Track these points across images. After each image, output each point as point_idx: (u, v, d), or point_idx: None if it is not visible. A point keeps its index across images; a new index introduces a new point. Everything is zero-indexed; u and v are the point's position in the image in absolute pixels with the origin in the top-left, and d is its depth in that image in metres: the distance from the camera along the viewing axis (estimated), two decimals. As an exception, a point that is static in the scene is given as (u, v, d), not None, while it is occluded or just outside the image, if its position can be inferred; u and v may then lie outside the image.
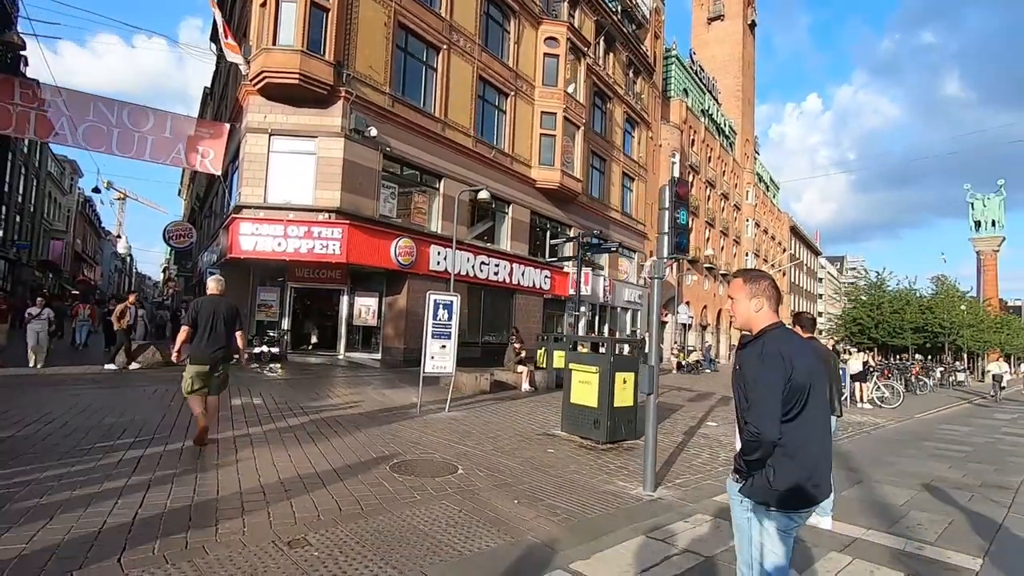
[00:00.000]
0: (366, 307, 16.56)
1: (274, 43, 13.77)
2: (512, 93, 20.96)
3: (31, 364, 11.11)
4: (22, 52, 13.31)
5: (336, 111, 14.62)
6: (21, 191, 35.12)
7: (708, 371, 27.94)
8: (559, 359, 14.26)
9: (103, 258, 70.13)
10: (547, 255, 23.32)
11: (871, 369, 14.20)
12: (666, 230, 5.33)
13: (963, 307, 34.03)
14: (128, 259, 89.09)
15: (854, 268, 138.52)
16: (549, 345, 14.37)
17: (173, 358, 6.13)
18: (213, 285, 6.15)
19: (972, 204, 48.64)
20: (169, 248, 33.60)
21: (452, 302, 8.73)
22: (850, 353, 19.27)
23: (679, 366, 25.64)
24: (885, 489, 5.78)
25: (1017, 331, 45.10)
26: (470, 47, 18.88)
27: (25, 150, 35.20)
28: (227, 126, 15.06)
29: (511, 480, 5.22)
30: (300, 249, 14.01)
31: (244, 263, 15.30)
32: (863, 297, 36.56)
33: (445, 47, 17.84)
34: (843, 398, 14.58)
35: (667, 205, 5.31)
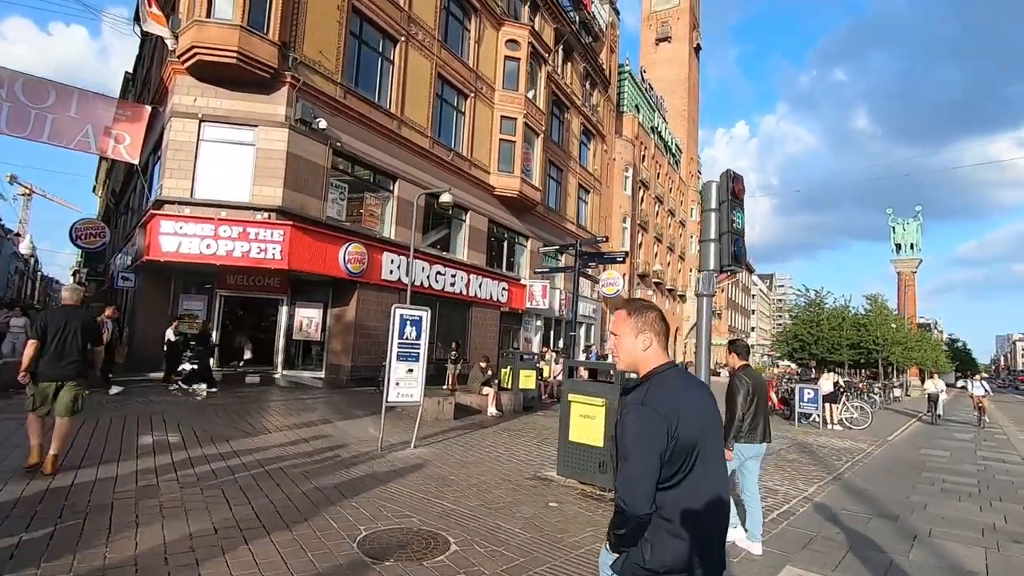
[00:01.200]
0: (308, 319, 14.81)
1: (208, 15, 12.00)
2: (472, 95, 19.85)
3: None
4: None
5: (280, 98, 12.96)
6: None
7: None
8: (526, 379, 13.16)
9: (1, 259, 62.81)
10: (505, 266, 22.24)
11: (841, 390, 13.92)
12: (714, 236, 4.29)
13: (893, 325, 35.71)
14: (32, 260, 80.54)
15: (782, 285, 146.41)
16: (515, 364, 13.20)
17: (20, 377, 5.27)
18: (67, 295, 5.78)
19: (894, 228, 51.72)
20: (79, 249, 30.03)
21: (421, 318, 7.41)
22: (809, 372, 19.27)
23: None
24: (950, 548, 4.97)
25: (934, 347, 48.14)
26: (429, 42, 17.64)
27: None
28: (148, 108, 13.03)
29: (521, 558, 3.98)
30: (233, 252, 12.18)
31: (165, 267, 13.24)
32: (803, 315, 37.70)
33: (403, 39, 16.51)
34: (811, 418, 14.45)
35: (716, 205, 4.29)
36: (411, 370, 7.29)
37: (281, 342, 14.71)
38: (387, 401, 7.11)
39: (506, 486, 5.90)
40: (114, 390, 10.21)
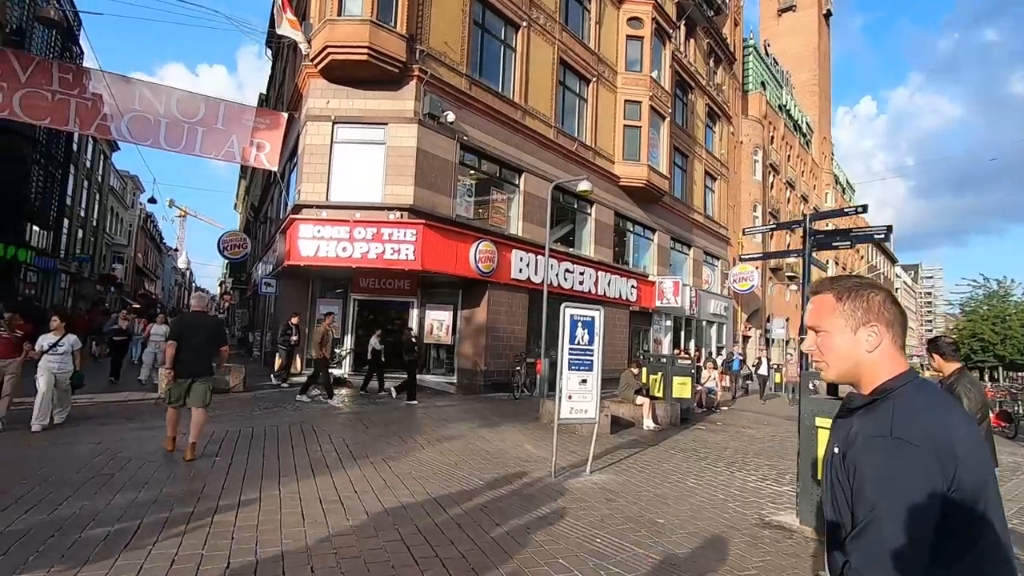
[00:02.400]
0: (439, 322, 14.30)
1: (339, 13, 11.80)
2: (594, 79, 18.52)
3: (34, 423, 6.60)
4: (70, 27, 11.77)
5: (408, 93, 12.50)
6: (84, 205, 35.15)
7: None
8: (680, 387, 11.58)
9: (164, 272, 71.65)
10: (632, 262, 20.59)
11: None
12: None
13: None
14: (188, 273, 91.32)
15: (930, 277, 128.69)
16: (668, 369, 11.66)
17: (163, 374, 6.48)
18: (196, 302, 6.59)
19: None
20: (224, 260, 32.86)
21: (593, 319, 6.23)
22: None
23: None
24: None
25: None
26: (550, 26, 16.58)
27: (88, 163, 35.30)
28: (285, 115, 13.22)
29: None
30: (368, 254, 11.87)
31: (304, 271, 13.33)
32: (981, 310, 31.95)
33: (525, 24, 15.58)
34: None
35: None
36: (584, 381, 6.12)
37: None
38: (559, 418, 6.00)
39: (736, 537, 4.51)
40: (334, 400, 10.31)
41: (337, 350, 13.99)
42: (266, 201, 23.01)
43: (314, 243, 11.95)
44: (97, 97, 11.41)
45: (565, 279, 16.29)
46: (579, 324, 6.11)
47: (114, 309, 31.64)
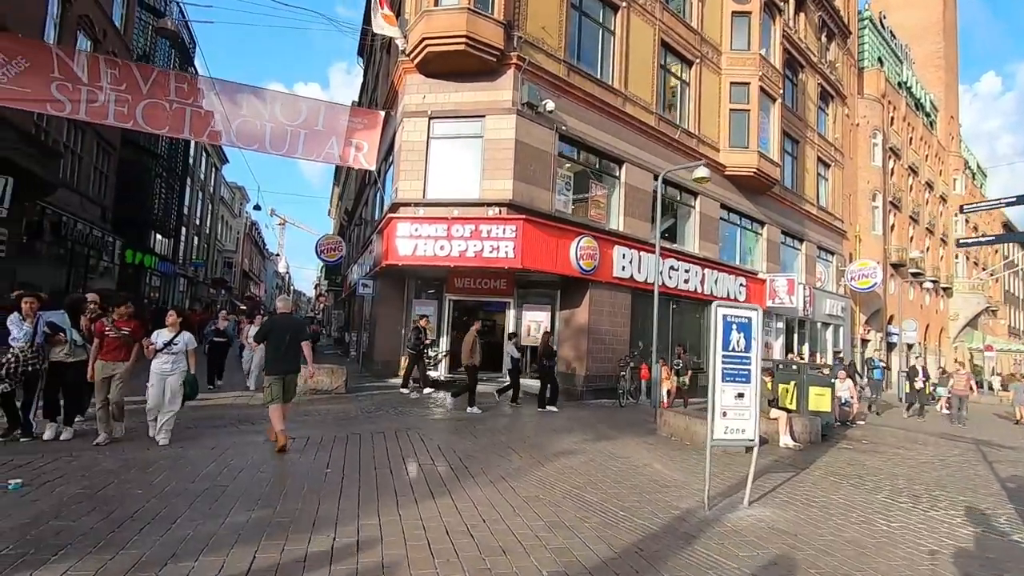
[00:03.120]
0: (536, 323, 13.58)
1: (436, 4, 11.42)
2: (697, 61, 17.09)
3: (159, 436, 6.09)
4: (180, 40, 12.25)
5: (506, 82, 11.90)
6: (199, 214, 38.08)
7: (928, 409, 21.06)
8: (818, 399, 10.11)
9: (266, 276, 76.90)
10: (739, 258, 18.86)
11: None
12: None
13: None
14: (287, 277, 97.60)
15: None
16: (803, 378, 10.19)
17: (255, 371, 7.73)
18: (281, 304, 6.97)
19: None
20: (321, 263, 34.31)
21: (751, 321, 5.19)
22: None
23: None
24: None
25: None
26: (651, 5, 15.40)
27: (202, 176, 38.21)
28: (381, 114, 13.08)
29: None
30: (467, 252, 11.37)
31: (400, 271, 13.11)
32: None
33: (624, 5, 14.54)
34: None
35: None
36: (741, 395, 5.10)
37: (507, 347, 13.69)
38: (712, 438, 5.01)
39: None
40: (473, 410, 9.68)
41: (431, 352, 13.68)
42: (360, 204, 23.47)
43: (411, 242, 11.63)
44: (209, 107, 11.72)
45: (670, 277, 15.04)
46: (734, 327, 5.10)
47: (226, 309, 34.06)
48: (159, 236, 28.95)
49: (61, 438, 6.02)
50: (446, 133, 12.27)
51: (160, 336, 6.24)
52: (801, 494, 5.85)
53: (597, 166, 14.14)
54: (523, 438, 7.74)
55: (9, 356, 5.73)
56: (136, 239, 25.68)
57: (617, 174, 14.48)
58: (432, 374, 12.66)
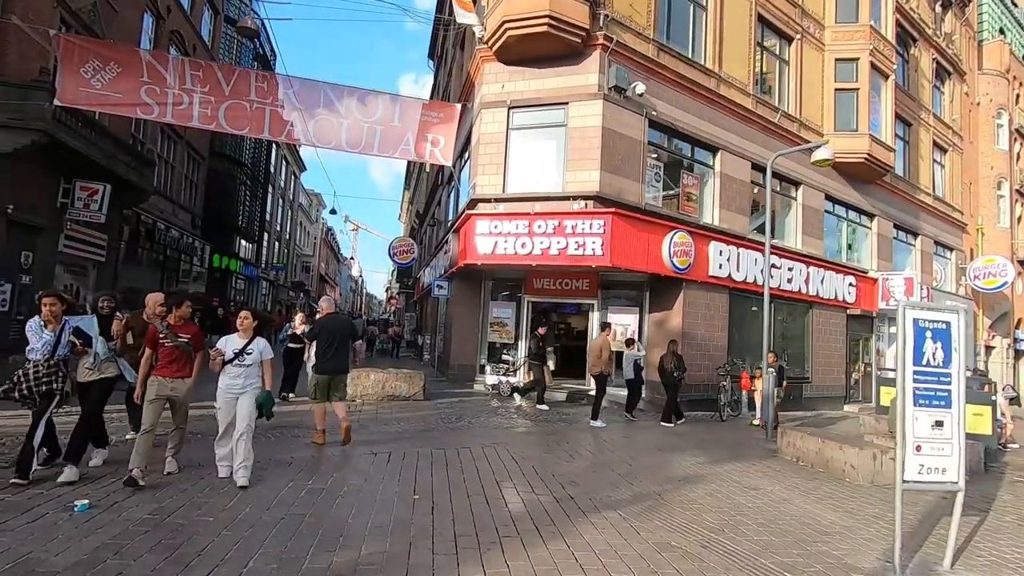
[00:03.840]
0: (623, 326, 12.49)
1: (517, -16, 10.69)
2: (798, 36, 15.41)
3: (236, 476, 4.75)
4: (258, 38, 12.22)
5: (591, 65, 10.98)
6: (279, 220, 39.64)
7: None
8: (977, 420, 8.47)
9: (341, 279, 79.75)
10: (845, 255, 16.89)
11: None
12: None
13: None
14: (360, 280, 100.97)
15: None
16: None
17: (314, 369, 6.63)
18: (326, 305, 7.08)
19: None
20: (393, 265, 34.72)
21: (950, 327, 3.97)
22: None
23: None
24: None
25: None
26: (746, -23, 13.98)
27: (282, 183, 39.76)
28: (458, 107, 12.49)
29: None
30: (550, 250, 10.53)
31: (476, 272, 12.47)
32: None
33: (717, -23, 13.24)
34: None
35: None
36: (940, 423, 3.91)
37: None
38: (904, 479, 3.85)
39: None
40: (597, 423, 8.98)
41: (507, 356, 12.94)
42: (432, 205, 23.23)
43: (491, 240, 10.93)
44: (286, 105, 11.57)
45: (771, 276, 13.47)
46: (928, 334, 3.92)
47: (305, 312, 35.21)
48: (243, 241, 30.15)
49: (60, 479, 4.47)
50: (526, 123, 11.50)
51: (229, 343, 4.93)
52: (1008, 551, 4.53)
53: (689, 154, 12.90)
54: (626, 459, 6.77)
55: (19, 373, 4.45)
56: (222, 244, 26.78)
57: (711, 163, 13.17)
58: (512, 380, 11.90)
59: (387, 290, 75.31)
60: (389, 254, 26.65)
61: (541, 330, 10.88)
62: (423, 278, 22.89)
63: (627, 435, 8.47)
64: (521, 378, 12.77)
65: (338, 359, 6.46)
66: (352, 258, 66.30)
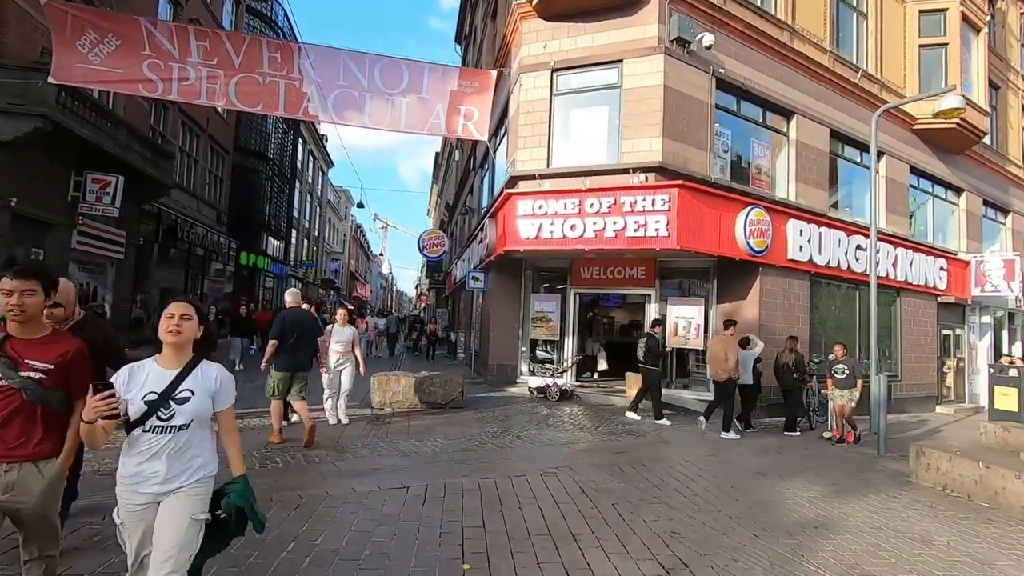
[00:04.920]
0: (686, 320, 10.89)
1: (561, -78, 9.19)
2: (877, -15, 13.47)
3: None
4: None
5: (649, 15, 9.41)
6: (307, 216, 39.02)
7: None
8: None
9: (371, 277, 79.55)
10: (932, 235, 14.86)
11: None
12: None
13: None
14: (390, 277, 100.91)
15: None
16: None
17: (261, 367, 6.26)
18: (290, 299, 6.65)
19: None
20: (423, 262, 33.67)
21: None
22: None
23: None
24: None
25: None
26: (820, -84, 12.13)
27: (309, 179, 39.12)
28: (493, 73, 11.07)
29: None
30: (605, 231, 9.03)
31: (517, 261, 11.08)
32: None
33: (788, -85, 11.45)
34: None
35: None
36: None
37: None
38: None
39: None
40: (728, 435, 7.88)
41: (547, 354, 11.56)
42: (463, 193, 21.91)
43: (534, 222, 9.49)
44: (302, 77, 10.35)
45: (856, 259, 11.69)
46: None
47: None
48: (270, 238, 29.46)
49: None
50: (573, 86, 10.03)
51: (135, 377, 2.14)
52: None
53: (762, 119, 11.18)
54: (727, 489, 5.26)
55: None
56: (249, 241, 26.06)
57: (785, 129, 11.43)
58: (559, 382, 10.46)
59: (416, 287, 74.74)
60: (418, 248, 25.51)
61: (656, 329, 9.05)
62: (455, 271, 21.62)
63: (712, 452, 6.94)
64: (568, 380, 11.34)
65: (299, 356, 6.25)
66: (381, 254, 65.79)
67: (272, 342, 6.11)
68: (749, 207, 9.66)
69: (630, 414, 8.59)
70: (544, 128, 9.93)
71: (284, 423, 6.27)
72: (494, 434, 7.14)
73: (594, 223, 9.14)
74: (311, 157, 39.11)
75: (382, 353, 20.60)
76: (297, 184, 34.36)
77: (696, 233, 9.05)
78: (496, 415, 8.55)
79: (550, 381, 10.45)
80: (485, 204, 14.57)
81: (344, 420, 7.15)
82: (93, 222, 13.67)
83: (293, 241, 34.29)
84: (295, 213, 34.20)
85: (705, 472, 5.85)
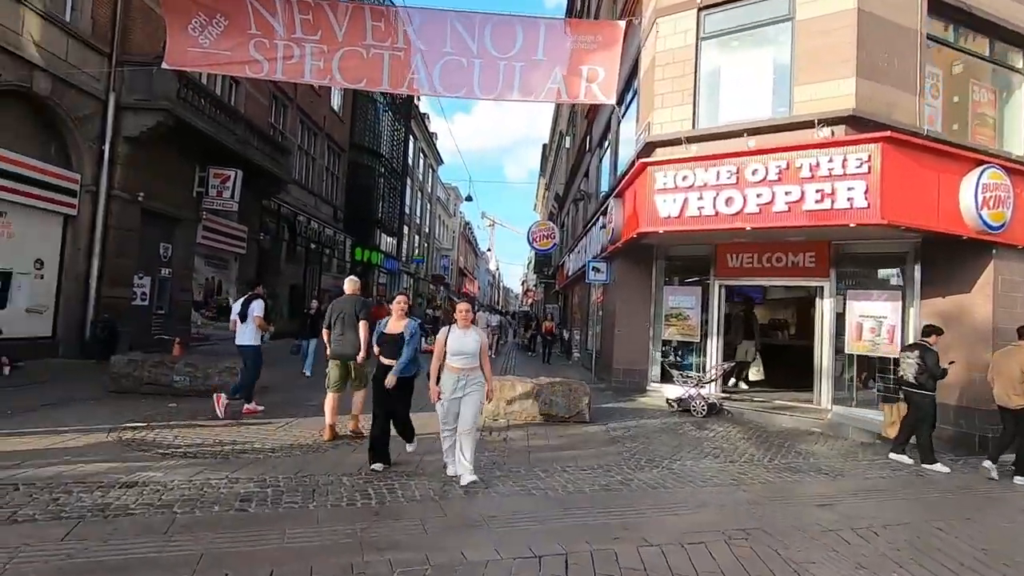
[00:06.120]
0: (874, 319, 8.42)
1: None
2: None
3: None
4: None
5: (835, -82, 7.19)
6: (418, 213, 39.60)
7: None
8: None
9: (479, 273, 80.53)
10: None
11: None
12: None
13: None
14: (497, 274, 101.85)
15: None
16: None
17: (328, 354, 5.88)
18: (349, 286, 6.14)
19: None
20: (529, 257, 32.63)
21: None
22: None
23: None
24: None
25: None
26: None
27: (420, 176, 39.66)
28: (621, 24, 9.38)
29: None
30: (774, 205, 7.02)
31: (647, 248, 9.35)
32: None
33: None
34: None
35: None
36: None
37: (824, 358, 8.81)
38: None
39: None
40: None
41: (719, 364, 9.69)
42: (574, 181, 20.31)
43: (677, 197, 7.69)
44: (407, 47, 9.39)
45: None
46: None
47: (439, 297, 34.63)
48: (383, 235, 29.90)
49: None
50: (725, 26, 8.08)
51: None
52: None
53: (987, 52, 8.40)
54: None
55: None
56: (363, 237, 26.49)
57: (1020, 65, 8.52)
58: (703, 392, 8.54)
59: (523, 283, 74.30)
60: (528, 241, 24.37)
61: (932, 339, 6.39)
62: (567, 264, 20.09)
63: (992, 500, 4.77)
64: (713, 389, 9.35)
65: (342, 342, 5.66)
66: (489, 250, 66.11)
67: (324, 331, 5.82)
68: (983, 167, 7.08)
69: (897, 456, 6.34)
70: (688, 81, 8.06)
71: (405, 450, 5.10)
72: (638, 464, 5.52)
73: (758, 195, 7.15)
74: (421, 154, 39.60)
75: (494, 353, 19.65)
76: (408, 181, 34.79)
77: (906, 203, 6.72)
78: (632, 434, 6.91)
79: (692, 391, 8.59)
80: (606, 186, 12.90)
81: (469, 477, 4.44)
82: (216, 217, 13.92)
83: (405, 237, 34.79)
84: (407, 210, 34.66)
85: (983, 535, 3.80)
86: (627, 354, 10.34)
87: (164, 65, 8.94)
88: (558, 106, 33.70)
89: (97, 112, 10.46)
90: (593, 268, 11.63)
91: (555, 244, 23.47)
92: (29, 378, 7.99)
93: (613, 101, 9.16)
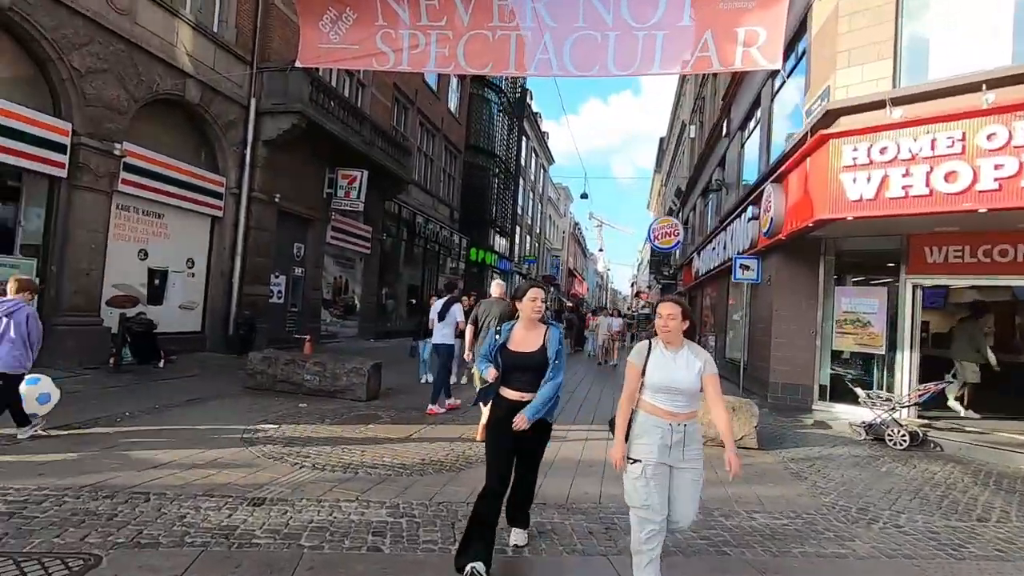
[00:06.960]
0: None
1: None
2: None
3: None
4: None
5: None
6: (529, 213, 39.27)
7: None
8: None
9: (588, 274, 79.00)
10: None
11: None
12: None
13: None
14: (606, 274, 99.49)
15: None
16: None
17: (465, 356, 6.20)
18: (496, 289, 6.43)
19: None
20: (642, 252, 30.87)
21: None
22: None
23: None
24: None
25: None
26: None
27: (532, 176, 39.31)
28: (788, -25, 7.99)
29: None
30: (1020, 178, 5.29)
31: (812, 240, 7.81)
32: None
33: None
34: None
35: None
36: None
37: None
38: None
39: None
40: None
41: (933, 384, 7.94)
42: (703, 171, 18.51)
43: (871, 174, 6.17)
44: (536, 25, 8.67)
45: None
46: None
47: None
48: (497, 235, 29.81)
49: None
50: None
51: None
52: None
53: None
54: None
55: None
56: (478, 238, 26.50)
57: None
58: (898, 417, 6.85)
59: (632, 284, 71.51)
60: (648, 239, 22.91)
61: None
62: (696, 263, 18.36)
63: None
64: (907, 414, 7.56)
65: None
66: (601, 250, 64.48)
67: (469, 329, 5.98)
68: None
69: None
70: (888, 30, 6.47)
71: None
72: (845, 514, 4.24)
73: (995, 166, 5.46)
74: (533, 154, 39.24)
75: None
76: (521, 181, 34.53)
77: None
78: (818, 467, 5.57)
79: (884, 416, 6.94)
80: (752, 173, 11.31)
81: None
82: (343, 217, 14.27)
83: (517, 237, 34.57)
84: (519, 210, 34.41)
85: None
86: (786, 366, 8.80)
87: (298, 63, 8.97)
88: (679, 95, 31.54)
89: (240, 118, 10.93)
90: (742, 266, 10.12)
91: (679, 242, 21.74)
92: (180, 371, 8.36)
93: (779, 65, 7.71)
